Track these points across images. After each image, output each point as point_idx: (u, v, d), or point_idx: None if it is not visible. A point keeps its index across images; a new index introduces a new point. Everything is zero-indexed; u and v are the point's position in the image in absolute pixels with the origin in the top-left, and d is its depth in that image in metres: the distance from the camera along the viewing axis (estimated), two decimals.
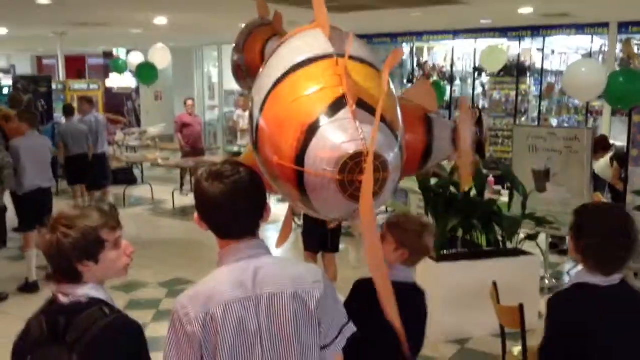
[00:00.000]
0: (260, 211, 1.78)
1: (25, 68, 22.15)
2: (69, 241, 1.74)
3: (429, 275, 4.88)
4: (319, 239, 5.03)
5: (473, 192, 5.01)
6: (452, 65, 12.41)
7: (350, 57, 1.79)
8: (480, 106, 10.64)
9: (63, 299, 1.79)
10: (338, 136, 1.65)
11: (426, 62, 13.03)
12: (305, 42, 1.97)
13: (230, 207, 1.72)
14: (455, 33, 11.88)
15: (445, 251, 4.94)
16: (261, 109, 1.88)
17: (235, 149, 10.97)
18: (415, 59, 13.00)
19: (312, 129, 1.69)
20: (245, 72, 3.42)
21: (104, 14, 9.72)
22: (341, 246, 7.22)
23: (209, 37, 14.50)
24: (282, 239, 2.97)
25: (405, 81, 12.96)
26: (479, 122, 9.14)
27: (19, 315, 5.20)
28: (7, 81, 13.76)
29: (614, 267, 2.13)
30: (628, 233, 2.10)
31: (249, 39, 3.70)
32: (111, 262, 1.83)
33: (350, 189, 1.67)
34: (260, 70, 2.11)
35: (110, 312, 1.77)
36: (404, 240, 2.45)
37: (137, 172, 11.90)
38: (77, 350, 1.67)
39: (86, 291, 1.79)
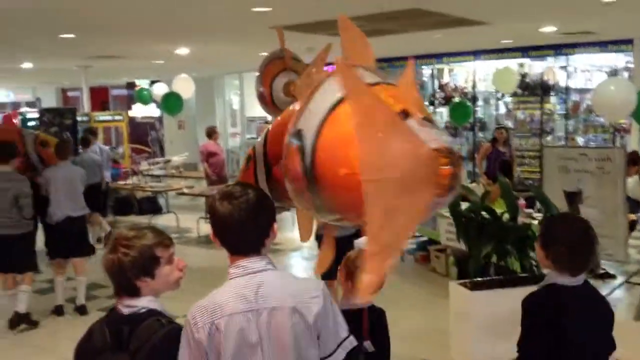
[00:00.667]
0: (266, 230, 1.93)
1: (50, 100, 22.59)
2: (128, 260, 1.94)
3: (463, 304, 4.75)
4: (333, 265, 4.89)
5: (505, 216, 4.88)
6: (474, 86, 12.32)
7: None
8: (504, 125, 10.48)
9: (124, 310, 1.98)
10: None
11: (447, 83, 12.97)
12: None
13: (237, 225, 1.88)
14: (476, 54, 11.82)
15: (479, 278, 4.80)
16: (317, 135, 2.05)
17: None
18: (436, 81, 12.94)
19: None
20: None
21: (126, 46, 9.87)
22: None
23: (230, 66, 14.65)
24: (322, 265, 2.86)
25: (427, 103, 12.91)
26: (506, 143, 9.07)
27: (47, 348, 5.19)
28: (33, 114, 14.00)
29: (581, 269, 2.38)
30: (591, 239, 2.39)
31: (264, 71, 3.95)
32: (165, 276, 2.02)
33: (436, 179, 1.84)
34: (301, 105, 2.31)
35: (167, 323, 1.97)
36: (349, 274, 2.98)
37: (162, 201, 11.94)
38: (139, 357, 1.87)
39: (144, 303, 1.98)
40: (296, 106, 3.31)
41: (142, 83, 17.91)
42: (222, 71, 16.66)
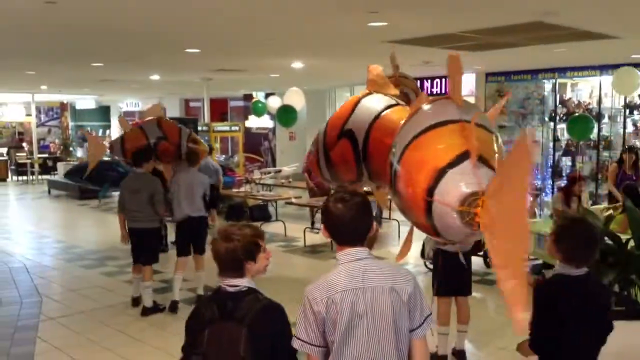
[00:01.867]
0: (368, 227, 2.41)
1: (174, 109, 24.06)
2: (241, 245, 2.42)
3: None
4: (455, 284, 5.00)
5: (631, 244, 4.52)
6: (599, 102, 11.58)
7: (476, 124, 2.57)
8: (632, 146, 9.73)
9: (229, 289, 2.43)
10: (462, 178, 2.42)
11: (570, 98, 12.29)
12: (441, 108, 2.79)
13: (347, 222, 2.37)
14: (602, 68, 11.11)
15: None
16: (400, 157, 2.72)
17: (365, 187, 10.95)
18: (558, 96, 12.30)
19: (442, 171, 2.46)
20: None
21: (246, 61, 10.31)
22: (479, 294, 6.88)
23: (342, 79, 14.83)
24: (401, 255, 3.60)
25: (546, 119, 12.31)
26: (635, 166, 8.40)
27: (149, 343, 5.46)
28: None
29: (584, 262, 2.83)
30: (595, 239, 2.87)
31: None
32: (261, 261, 2.49)
33: (466, 217, 2.40)
34: (401, 127, 2.93)
35: (263, 298, 2.43)
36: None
37: (271, 209, 12.30)
38: (245, 324, 2.32)
39: (245, 283, 2.44)
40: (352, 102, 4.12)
41: (258, 95, 18.60)
42: (333, 84, 16.90)
